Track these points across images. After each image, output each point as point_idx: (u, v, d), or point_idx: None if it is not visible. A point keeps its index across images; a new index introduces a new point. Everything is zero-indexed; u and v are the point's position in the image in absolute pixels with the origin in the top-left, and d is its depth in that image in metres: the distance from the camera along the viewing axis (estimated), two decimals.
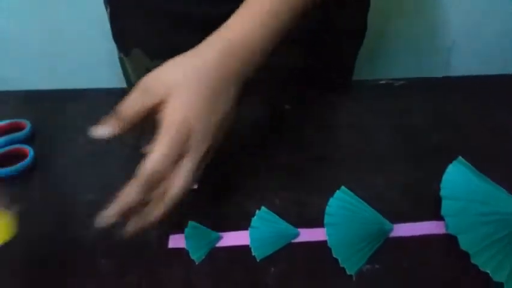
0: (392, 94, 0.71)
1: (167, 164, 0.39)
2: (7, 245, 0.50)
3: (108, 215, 0.40)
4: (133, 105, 0.41)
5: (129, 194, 0.39)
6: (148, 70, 0.74)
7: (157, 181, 0.40)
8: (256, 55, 0.44)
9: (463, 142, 0.62)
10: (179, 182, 0.40)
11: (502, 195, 0.50)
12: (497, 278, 0.45)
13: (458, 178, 0.52)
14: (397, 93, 0.71)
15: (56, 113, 0.66)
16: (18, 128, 0.63)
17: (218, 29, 0.44)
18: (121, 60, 0.73)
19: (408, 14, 1.13)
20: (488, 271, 0.45)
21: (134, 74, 0.73)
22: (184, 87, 0.40)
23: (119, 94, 0.45)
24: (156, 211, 0.41)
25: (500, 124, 0.65)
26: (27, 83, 0.71)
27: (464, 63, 1.22)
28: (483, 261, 0.46)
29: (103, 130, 0.41)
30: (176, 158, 0.40)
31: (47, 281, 0.47)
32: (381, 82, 0.73)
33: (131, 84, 0.76)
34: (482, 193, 0.50)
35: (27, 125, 0.63)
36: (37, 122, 0.64)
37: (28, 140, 0.62)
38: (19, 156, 0.59)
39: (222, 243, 0.50)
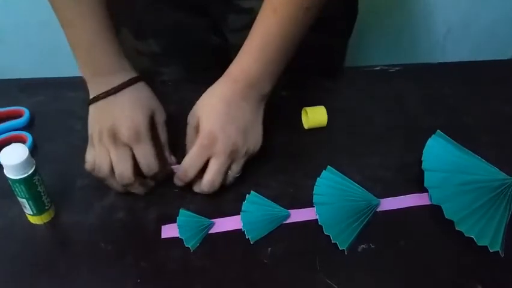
0: (387, 79, 0.72)
1: (198, 162, 0.52)
2: (7, 228, 0.51)
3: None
4: (188, 135, 0.56)
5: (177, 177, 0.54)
6: (136, 50, 0.73)
7: (192, 174, 0.53)
8: (262, 78, 0.54)
9: (455, 124, 0.63)
10: (207, 177, 0.52)
11: (481, 164, 0.52)
12: (481, 242, 0.47)
13: (438, 151, 0.53)
14: (392, 78, 0.72)
15: (54, 100, 0.67)
16: (17, 115, 0.64)
17: (227, 71, 0.55)
18: None
19: (404, 1, 1.13)
20: (473, 236, 0.47)
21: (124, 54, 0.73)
22: (207, 112, 0.54)
23: None
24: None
25: (493, 107, 0.66)
26: (25, 71, 0.72)
27: (459, 50, 1.23)
28: (467, 228, 0.48)
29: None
30: (205, 159, 0.52)
31: (47, 263, 0.48)
32: (376, 68, 0.74)
33: None
34: (462, 164, 0.52)
35: (25, 112, 0.64)
36: (35, 109, 0.65)
37: (27, 126, 0.63)
38: (18, 142, 0.59)
39: (215, 229, 0.51)
